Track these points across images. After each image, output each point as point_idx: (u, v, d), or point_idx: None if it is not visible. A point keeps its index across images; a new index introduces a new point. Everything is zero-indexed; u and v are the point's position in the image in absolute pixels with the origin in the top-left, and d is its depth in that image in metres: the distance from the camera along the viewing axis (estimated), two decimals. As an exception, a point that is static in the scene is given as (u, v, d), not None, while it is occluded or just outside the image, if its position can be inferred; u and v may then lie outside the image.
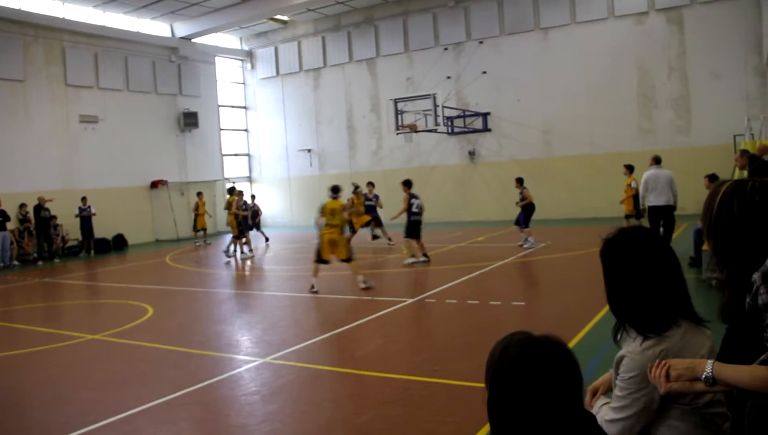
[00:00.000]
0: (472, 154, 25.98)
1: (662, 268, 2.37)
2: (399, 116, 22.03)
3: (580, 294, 10.48)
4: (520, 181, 16.93)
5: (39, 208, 21.14)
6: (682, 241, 13.45)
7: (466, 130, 25.84)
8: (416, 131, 22.28)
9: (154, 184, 26.76)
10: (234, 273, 16.18)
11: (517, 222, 16.66)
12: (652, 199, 12.88)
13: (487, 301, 10.09)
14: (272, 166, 31.40)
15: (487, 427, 1.81)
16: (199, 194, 23.55)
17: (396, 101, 22.16)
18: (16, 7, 22.37)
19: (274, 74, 31.05)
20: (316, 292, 11.79)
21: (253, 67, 31.85)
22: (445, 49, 26.29)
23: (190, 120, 28.23)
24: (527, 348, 1.78)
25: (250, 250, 19.01)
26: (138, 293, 13.17)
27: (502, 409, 1.78)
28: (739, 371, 2.19)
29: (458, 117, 25.42)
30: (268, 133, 31.53)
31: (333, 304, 11.08)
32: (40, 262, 20.74)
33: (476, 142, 25.93)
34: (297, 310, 11.19)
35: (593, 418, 1.89)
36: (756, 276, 2.12)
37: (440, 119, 21.67)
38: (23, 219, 21.39)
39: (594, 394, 2.71)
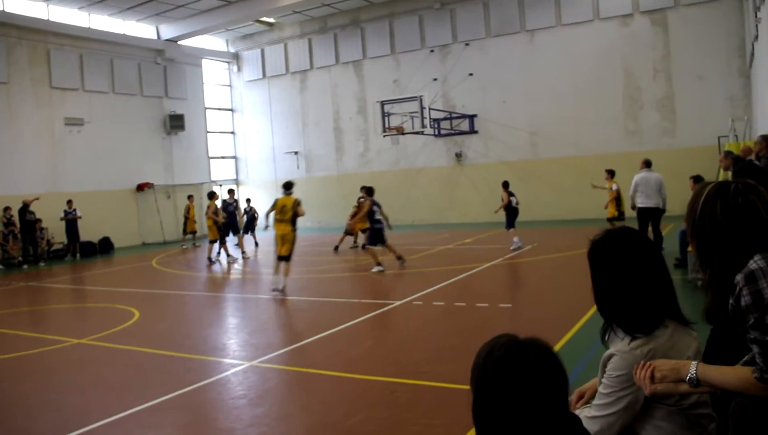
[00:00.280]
0: (459, 156, 26.03)
1: (649, 269, 2.38)
2: (386, 118, 22.05)
3: (567, 296, 10.52)
4: (504, 186, 16.92)
5: (24, 211, 20.96)
6: (667, 242, 13.52)
7: (452, 132, 25.89)
8: (403, 133, 22.31)
9: (141, 187, 26.63)
10: (220, 276, 16.11)
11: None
12: (641, 201, 13.01)
13: (474, 303, 10.11)
14: (259, 169, 31.34)
15: (473, 430, 1.81)
16: (189, 197, 23.46)
17: (383, 103, 22.18)
18: None
19: (261, 76, 31.00)
20: (279, 291, 12.05)
21: (239, 69, 31.78)
22: (432, 51, 26.34)
23: (176, 122, 28.12)
24: (512, 351, 1.78)
25: (228, 255, 18.53)
26: (124, 297, 13.10)
27: (487, 412, 1.78)
28: (723, 372, 2.21)
29: (445, 119, 25.47)
30: (255, 136, 31.46)
31: (320, 307, 11.06)
32: (25, 266, 20.58)
33: (463, 144, 25.98)
34: (284, 313, 11.17)
35: (578, 420, 1.90)
36: (739, 277, 2.14)
37: (427, 121, 21.70)
38: (7, 222, 21.22)
39: (580, 397, 2.72)
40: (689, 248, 9.86)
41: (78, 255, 22.70)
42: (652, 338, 2.33)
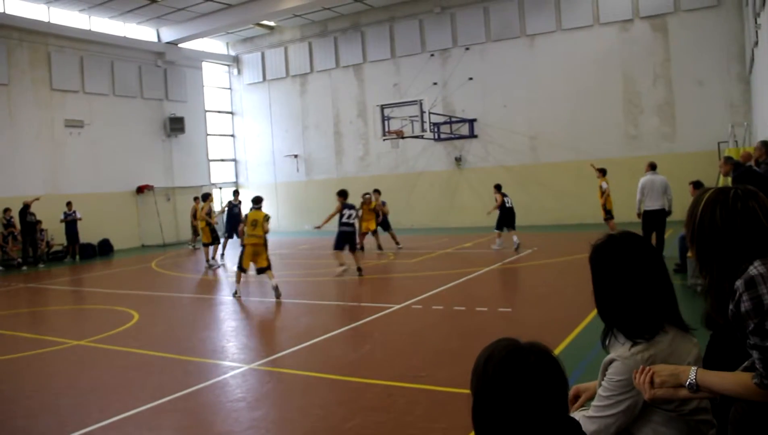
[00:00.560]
0: (458, 160, 26.04)
1: (650, 274, 2.38)
2: (386, 122, 22.07)
3: (567, 300, 10.52)
4: (497, 188, 17.69)
5: (25, 212, 20.95)
6: (667, 247, 13.52)
7: (452, 136, 25.91)
8: (403, 137, 22.31)
9: (140, 189, 26.62)
10: (220, 279, 16.10)
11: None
12: (647, 204, 13.20)
13: (474, 307, 10.11)
14: (259, 172, 31.34)
15: (473, 434, 1.81)
16: (196, 199, 23.33)
17: (383, 107, 22.19)
18: (0, 11, 22.21)
19: (261, 80, 31.02)
20: (238, 297, 12.31)
21: (239, 72, 31.80)
22: (432, 55, 26.36)
23: (176, 125, 28.13)
24: (512, 355, 1.79)
25: (213, 259, 18.07)
26: (123, 299, 13.09)
27: (487, 416, 1.78)
28: (723, 378, 2.21)
29: (445, 123, 25.50)
30: (255, 139, 31.47)
31: (319, 310, 11.06)
32: (24, 267, 20.57)
33: (463, 148, 25.99)
34: (283, 317, 11.17)
35: (578, 424, 1.90)
36: (739, 283, 2.14)
37: (427, 125, 21.71)
38: (7, 223, 21.21)
39: (576, 395, 2.72)
40: (689, 253, 9.88)
41: (77, 257, 22.68)
42: (653, 344, 2.33)
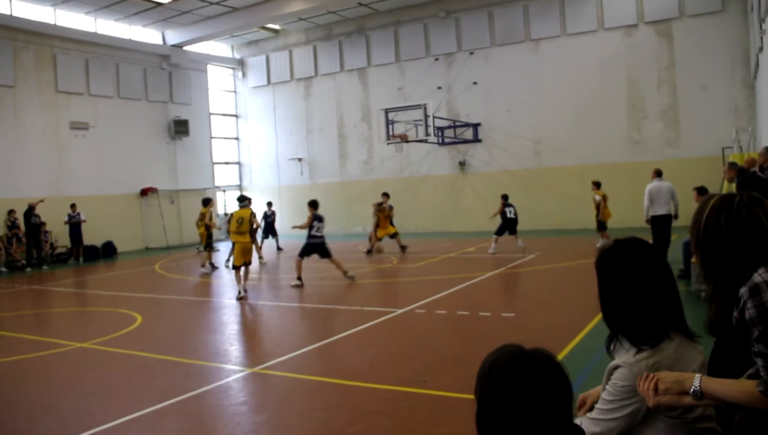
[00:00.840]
0: (462, 164, 26.04)
1: (657, 281, 2.38)
2: (390, 126, 22.06)
3: (570, 305, 10.51)
4: (503, 198, 18.40)
5: (29, 214, 20.99)
6: (671, 252, 13.50)
7: (456, 140, 25.90)
8: (407, 141, 22.30)
9: (144, 192, 26.66)
10: (224, 282, 16.10)
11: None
12: (654, 209, 13.41)
13: (477, 312, 10.09)
14: (263, 175, 31.38)
15: (475, 440, 1.81)
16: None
17: (387, 111, 22.18)
18: (7, 13, 22.30)
19: (266, 83, 31.06)
20: (242, 298, 12.46)
21: (244, 75, 31.86)
22: (436, 59, 26.38)
23: (180, 128, 28.18)
24: (517, 361, 1.79)
25: (210, 265, 17.70)
26: (127, 301, 13.10)
27: (491, 422, 1.78)
28: (727, 385, 2.20)
29: (449, 127, 25.49)
30: (259, 142, 31.51)
31: (322, 314, 11.06)
32: (28, 269, 20.60)
33: (467, 152, 25.99)
34: (286, 320, 11.17)
35: (581, 431, 1.89)
36: (743, 290, 2.13)
37: (431, 129, 21.69)
38: (12, 225, 21.27)
39: (583, 402, 2.71)
40: (693, 259, 9.85)
41: (81, 259, 22.73)
42: (658, 350, 2.33)
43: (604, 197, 17.47)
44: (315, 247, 14.15)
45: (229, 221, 13.35)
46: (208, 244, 17.84)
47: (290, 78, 30.32)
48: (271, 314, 11.63)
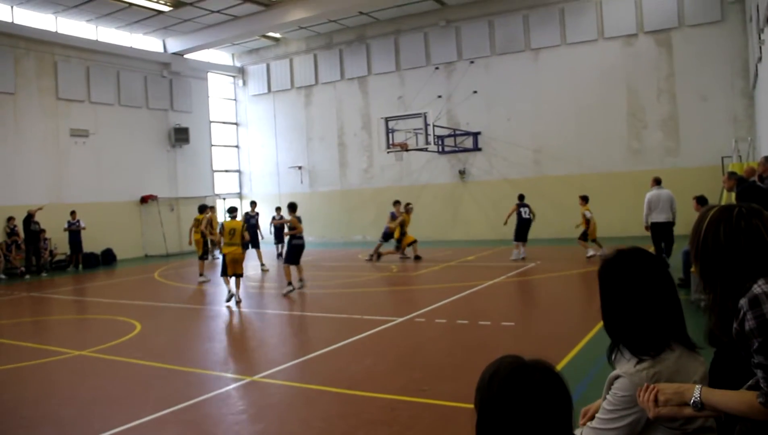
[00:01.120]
0: (462, 173, 26.06)
1: (659, 291, 2.37)
2: (390, 135, 22.08)
3: (570, 315, 10.51)
4: (518, 198, 18.68)
5: (29, 221, 21.00)
6: (671, 261, 13.51)
7: (456, 149, 25.93)
8: (407, 150, 22.33)
9: (144, 199, 26.67)
10: (223, 290, 16.07)
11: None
12: (654, 216, 13.84)
13: (477, 321, 10.09)
14: (263, 183, 31.39)
15: (475, 451, 1.81)
16: (211, 208, 23.18)
17: (387, 120, 22.21)
18: (8, 20, 22.37)
19: (266, 91, 31.12)
20: (233, 300, 12.88)
21: (244, 83, 31.93)
22: (437, 68, 26.44)
23: (181, 135, 28.21)
24: (517, 372, 1.79)
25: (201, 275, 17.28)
26: (126, 309, 13.09)
27: (491, 433, 1.78)
28: (727, 396, 2.20)
29: (449, 136, 25.52)
30: (259, 150, 31.54)
31: (322, 323, 11.05)
32: (27, 276, 20.58)
33: (467, 161, 26.02)
34: (285, 329, 11.17)
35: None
36: (743, 301, 2.14)
37: (431, 138, 21.72)
38: (11, 232, 21.26)
39: (585, 415, 2.71)
40: (692, 269, 9.85)
41: (80, 266, 22.71)
42: (659, 361, 2.33)
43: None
44: (300, 249, 14.30)
45: (221, 232, 13.55)
46: (204, 253, 17.83)
47: (291, 86, 30.38)
48: (271, 322, 11.62)
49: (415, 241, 19.70)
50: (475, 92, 25.53)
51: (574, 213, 23.09)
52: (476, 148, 25.65)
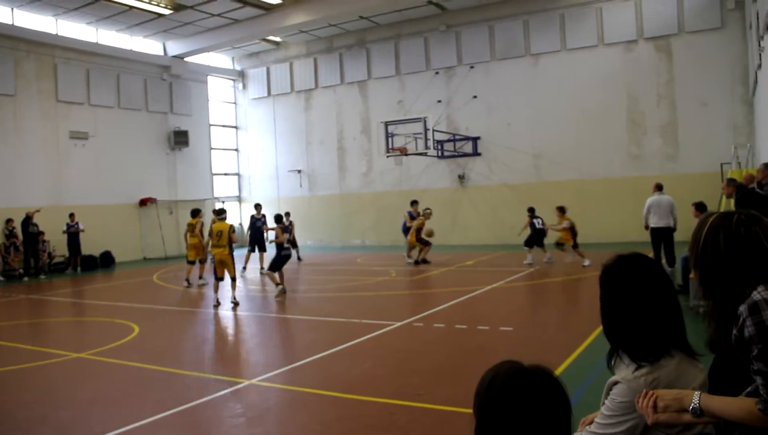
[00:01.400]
0: (461, 177, 26.07)
1: (659, 298, 2.37)
2: (389, 139, 22.08)
3: (568, 320, 10.51)
4: (529, 211, 18.80)
5: (27, 223, 20.99)
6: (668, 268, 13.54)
7: (456, 153, 25.95)
8: (406, 154, 22.34)
9: (143, 202, 26.66)
10: (222, 293, 16.05)
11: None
12: (654, 222, 13.98)
13: (475, 325, 10.08)
14: (262, 186, 31.37)
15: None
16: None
17: (387, 124, 22.22)
18: (8, 23, 22.38)
19: (266, 94, 31.13)
20: (216, 305, 13.07)
21: (244, 87, 31.94)
22: (437, 73, 26.47)
23: (180, 138, 28.21)
24: (516, 378, 1.79)
25: (187, 281, 17.07)
26: (124, 311, 13.08)
27: (491, 438, 1.78)
28: (726, 403, 2.20)
29: (448, 141, 25.53)
30: (259, 153, 31.54)
31: (320, 327, 11.04)
32: (25, 278, 20.56)
33: (466, 166, 26.02)
34: (284, 332, 11.16)
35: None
36: (743, 308, 2.14)
37: (430, 143, 21.72)
38: (9, 234, 21.25)
39: (584, 424, 2.71)
40: (691, 275, 9.86)
41: (79, 268, 22.69)
42: (657, 367, 2.33)
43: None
44: (286, 258, 14.52)
45: (210, 234, 13.68)
46: (205, 257, 17.60)
47: (290, 90, 30.40)
48: (269, 326, 11.61)
49: (426, 245, 19.56)
50: (475, 97, 25.55)
51: (573, 218, 23.11)
52: (476, 153, 25.66)
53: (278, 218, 14.77)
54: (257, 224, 19.98)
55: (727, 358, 2.51)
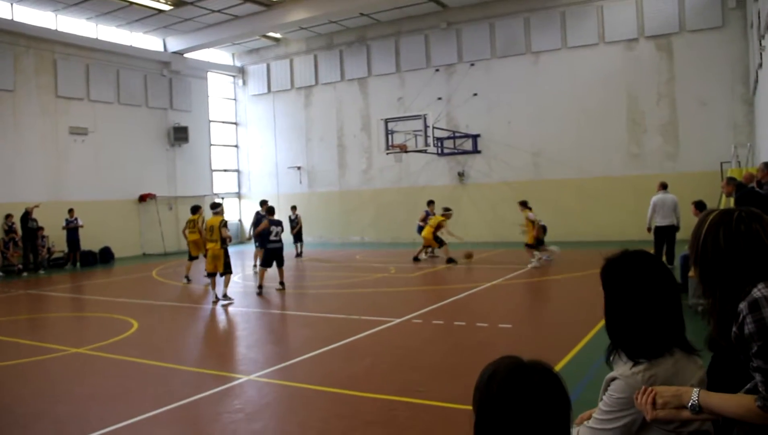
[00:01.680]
0: (461, 175, 26.06)
1: (661, 294, 2.36)
2: (389, 136, 22.07)
3: (567, 317, 10.51)
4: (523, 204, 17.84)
5: (26, 218, 20.98)
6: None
7: (455, 151, 25.94)
8: (406, 151, 22.33)
9: (143, 198, 26.65)
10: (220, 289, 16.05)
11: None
12: (658, 220, 14.18)
13: (474, 322, 10.09)
14: (262, 183, 31.37)
15: (473, 451, 1.80)
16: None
17: (387, 121, 22.20)
18: (8, 18, 22.35)
19: (266, 91, 31.11)
20: (224, 300, 12.99)
21: (244, 83, 31.92)
22: (437, 70, 26.45)
23: (180, 134, 28.20)
24: (516, 373, 1.79)
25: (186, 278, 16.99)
26: (123, 307, 13.08)
27: (490, 433, 1.78)
28: (725, 400, 2.20)
29: (448, 138, 25.53)
30: (258, 150, 31.53)
31: (320, 323, 11.03)
32: (24, 274, 20.56)
33: (466, 163, 26.02)
34: (283, 328, 11.17)
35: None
36: (743, 305, 2.13)
37: (430, 140, 21.70)
38: (9, 229, 21.24)
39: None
40: (690, 273, 9.86)
41: (78, 264, 22.68)
42: (655, 364, 2.33)
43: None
44: (275, 253, 14.32)
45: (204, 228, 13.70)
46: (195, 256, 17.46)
47: (290, 86, 30.38)
48: (268, 322, 11.61)
49: (442, 245, 19.35)
50: (475, 95, 25.53)
51: (573, 217, 23.21)
52: (476, 151, 25.66)
53: (270, 210, 14.77)
54: (262, 221, 19.94)
55: (726, 355, 2.51)
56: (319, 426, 5.84)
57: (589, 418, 2.56)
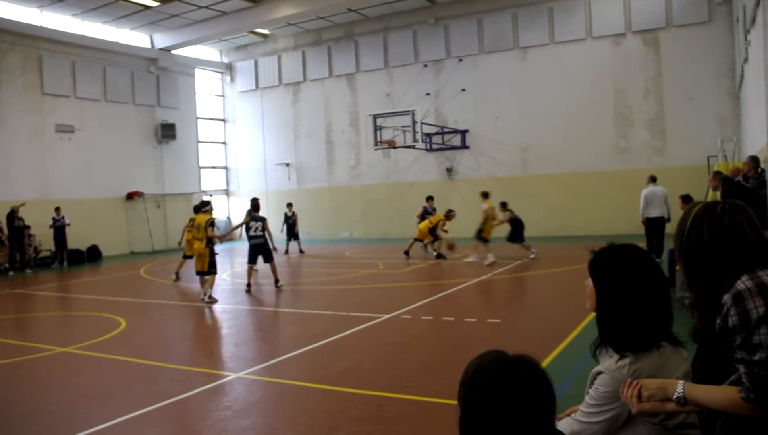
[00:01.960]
0: (450, 170, 26.09)
1: (648, 287, 2.36)
2: (378, 132, 22.07)
3: (555, 312, 10.54)
4: (503, 205, 17.95)
5: (12, 217, 20.83)
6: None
7: (444, 146, 25.96)
8: (395, 147, 22.34)
9: (130, 196, 26.53)
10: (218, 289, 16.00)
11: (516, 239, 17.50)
12: (648, 212, 14.52)
13: (463, 317, 10.10)
14: (250, 180, 31.29)
15: (459, 446, 1.80)
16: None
17: (375, 117, 22.20)
18: (-7, 15, 22.19)
19: (254, 87, 31.01)
20: (208, 300, 12.74)
21: (232, 79, 31.80)
22: (425, 66, 26.44)
23: (167, 132, 28.06)
24: (500, 367, 1.79)
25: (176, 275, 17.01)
26: (111, 306, 13.01)
27: (475, 428, 1.78)
28: (710, 391, 2.21)
29: (437, 134, 25.54)
30: (246, 147, 31.44)
31: (308, 320, 11.02)
32: (11, 273, 20.41)
33: (454, 158, 26.04)
34: (271, 325, 11.15)
35: (565, 437, 1.90)
36: (726, 297, 2.14)
37: (419, 136, 21.73)
38: (-5, 228, 21.10)
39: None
40: (677, 267, 9.92)
41: (65, 262, 22.55)
42: (640, 357, 2.33)
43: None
44: (256, 248, 14.15)
45: (190, 227, 13.66)
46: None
47: (279, 83, 30.29)
48: (256, 319, 11.59)
49: (435, 240, 19.28)
50: (464, 90, 25.55)
51: (560, 211, 23.28)
52: (464, 146, 25.68)
53: (255, 206, 14.49)
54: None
55: (710, 347, 2.53)
56: (308, 422, 5.84)
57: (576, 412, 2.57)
